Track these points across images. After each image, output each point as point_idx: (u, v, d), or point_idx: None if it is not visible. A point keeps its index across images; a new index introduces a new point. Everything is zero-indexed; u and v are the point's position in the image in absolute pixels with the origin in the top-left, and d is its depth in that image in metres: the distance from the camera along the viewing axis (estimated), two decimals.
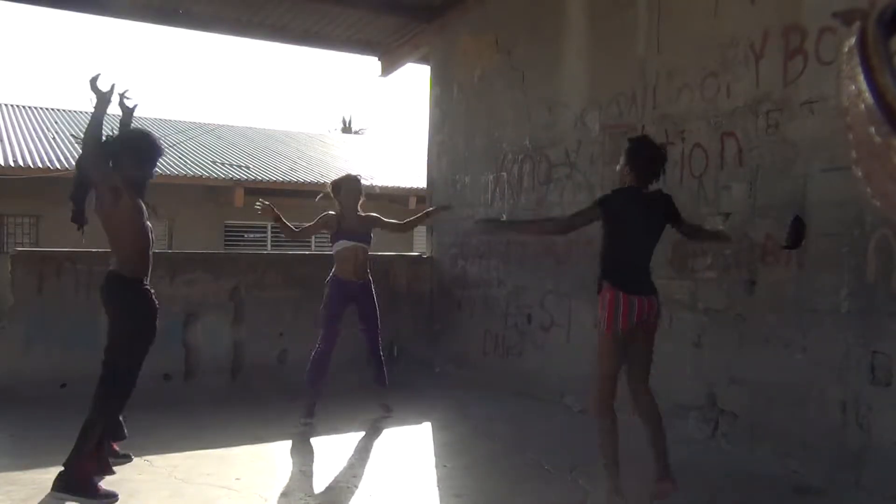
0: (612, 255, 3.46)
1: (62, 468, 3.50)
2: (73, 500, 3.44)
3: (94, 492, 3.47)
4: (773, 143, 4.23)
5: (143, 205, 3.81)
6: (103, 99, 3.62)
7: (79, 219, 3.83)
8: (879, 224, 3.63)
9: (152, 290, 3.81)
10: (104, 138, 3.65)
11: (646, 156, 3.52)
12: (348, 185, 5.29)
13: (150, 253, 3.83)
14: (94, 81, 3.59)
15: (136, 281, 3.73)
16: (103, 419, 3.62)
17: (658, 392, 3.56)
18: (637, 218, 3.44)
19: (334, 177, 5.60)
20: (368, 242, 5.27)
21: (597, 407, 3.44)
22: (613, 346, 3.40)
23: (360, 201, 5.32)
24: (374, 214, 5.43)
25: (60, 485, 3.47)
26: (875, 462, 3.66)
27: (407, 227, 5.70)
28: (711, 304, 4.56)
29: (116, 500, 3.47)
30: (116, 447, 3.99)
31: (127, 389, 3.69)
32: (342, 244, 5.16)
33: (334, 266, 5.22)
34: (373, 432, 4.95)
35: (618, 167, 3.63)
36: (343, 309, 5.19)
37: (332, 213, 5.28)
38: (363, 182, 5.42)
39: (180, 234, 14.17)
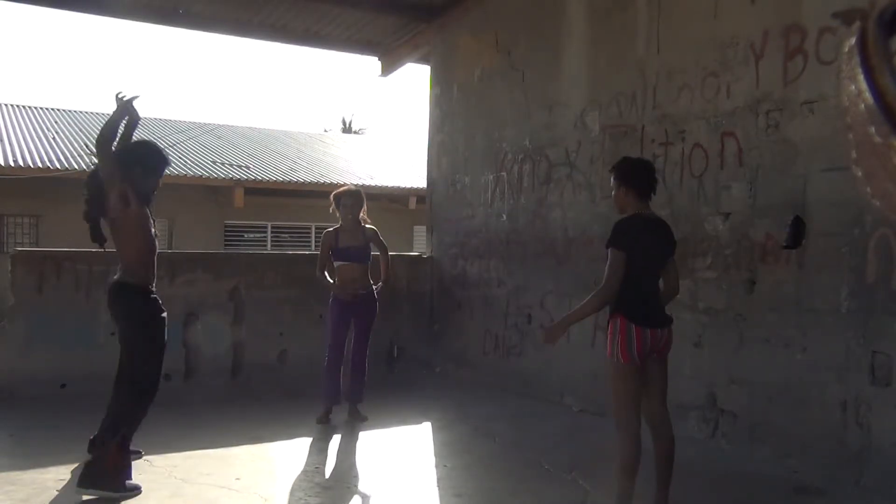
0: (624, 287, 3.22)
1: (86, 465, 3.53)
2: (99, 493, 3.46)
3: (122, 485, 3.52)
4: (773, 143, 4.23)
5: (149, 214, 3.83)
6: (124, 109, 3.77)
7: (98, 237, 3.84)
8: (879, 224, 3.64)
9: (159, 298, 3.81)
10: (113, 147, 3.71)
11: (638, 171, 3.39)
12: (346, 200, 5.18)
13: (155, 261, 3.84)
14: (120, 96, 3.78)
15: (143, 289, 3.73)
16: (128, 423, 3.63)
17: None
18: (647, 248, 3.29)
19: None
20: (366, 260, 5.17)
21: (625, 435, 3.21)
22: (632, 371, 3.23)
23: (363, 213, 5.24)
24: (374, 232, 5.26)
25: (86, 480, 3.48)
26: (875, 462, 3.67)
27: (386, 272, 5.36)
28: (711, 304, 4.56)
29: (140, 492, 3.52)
30: None
31: (150, 395, 3.70)
32: (339, 264, 5.14)
33: (336, 280, 5.16)
34: (373, 432, 4.95)
35: (613, 193, 3.45)
36: (346, 325, 5.21)
37: (330, 230, 5.23)
38: (359, 184, 5.37)
39: (180, 234, 14.15)
